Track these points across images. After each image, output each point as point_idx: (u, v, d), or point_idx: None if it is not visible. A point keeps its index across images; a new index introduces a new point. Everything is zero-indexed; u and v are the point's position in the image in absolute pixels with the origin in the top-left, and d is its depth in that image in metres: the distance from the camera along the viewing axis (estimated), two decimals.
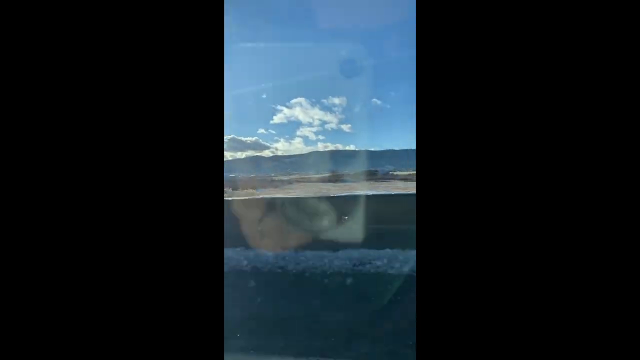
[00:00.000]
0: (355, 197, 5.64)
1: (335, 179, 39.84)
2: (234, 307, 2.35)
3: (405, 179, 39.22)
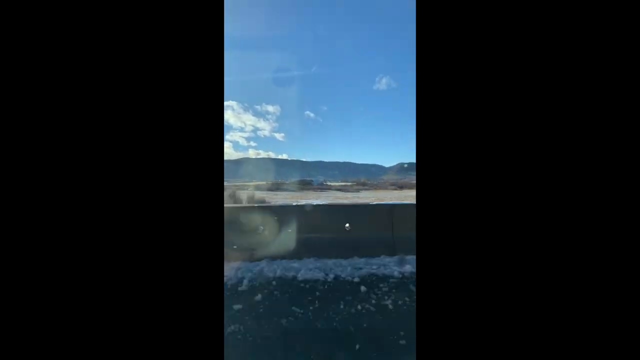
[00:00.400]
0: (331, 206, 5.09)
1: (275, 187, 40.36)
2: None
3: (339, 189, 42.88)
